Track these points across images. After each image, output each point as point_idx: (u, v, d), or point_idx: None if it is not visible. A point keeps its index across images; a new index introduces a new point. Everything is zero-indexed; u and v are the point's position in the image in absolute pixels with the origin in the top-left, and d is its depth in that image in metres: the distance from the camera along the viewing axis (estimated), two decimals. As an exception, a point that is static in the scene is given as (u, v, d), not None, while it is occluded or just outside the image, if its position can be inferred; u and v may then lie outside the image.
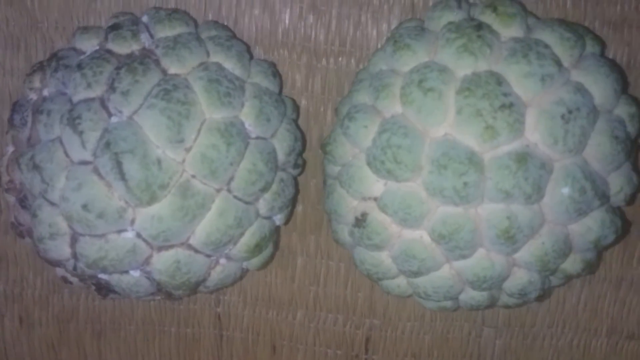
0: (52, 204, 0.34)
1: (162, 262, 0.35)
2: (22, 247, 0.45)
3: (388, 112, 0.33)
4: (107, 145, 0.32)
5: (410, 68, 0.33)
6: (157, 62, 0.34)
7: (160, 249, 0.35)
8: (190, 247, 0.35)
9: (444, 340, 0.46)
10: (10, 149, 0.37)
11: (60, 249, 0.35)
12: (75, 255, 0.35)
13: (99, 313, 0.46)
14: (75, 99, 0.34)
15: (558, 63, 0.32)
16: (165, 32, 0.36)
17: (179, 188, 0.33)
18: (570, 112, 0.31)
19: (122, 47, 0.35)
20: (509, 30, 0.33)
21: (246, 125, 0.35)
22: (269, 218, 0.38)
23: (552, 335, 0.45)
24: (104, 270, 0.35)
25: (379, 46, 0.41)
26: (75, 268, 0.36)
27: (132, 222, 0.34)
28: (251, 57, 0.38)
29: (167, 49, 0.35)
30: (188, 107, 0.33)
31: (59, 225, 0.34)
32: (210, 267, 0.37)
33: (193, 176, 0.34)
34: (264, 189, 0.36)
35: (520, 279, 0.34)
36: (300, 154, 0.39)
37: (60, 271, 0.37)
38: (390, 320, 0.46)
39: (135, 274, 0.36)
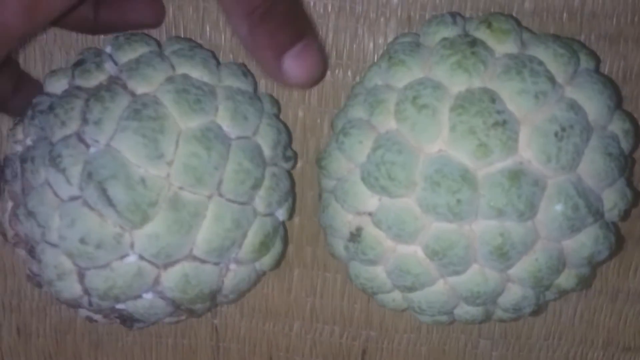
0: (53, 245, 0.34)
1: (170, 279, 0.35)
2: (19, 258, 0.45)
3: (383, 128, 0.34)
4: (90, 175, 0.33)
5: (404, 84, 0.33)
6: (124, 86, 0.35)
7: (166, 266, 0.35)
8: (195, 258, 0.35)
9: (440, 352, 0.46)
10: (10, 204, 0.37)
11: (71, 288, 0.35)
12: (87, 291, 0.35)
13: (96, 324, 0.46)
14: (54, 139, 0.34)
15: (552, 80, 0.32)
16: (127, 56, 0.36)
17: (169, 203, 0.33)
18: (563, 129, 0.31)
19: (89, 81, 0.35)
20: (504, 47, 0.33)
21: (224, 128, 0.35)
22: (270, 215, 0.37)
23: (548, 347, 0.45)
24: (117, 299, 0.35)
25: (376, 59, 0.41)
26: (90, 304, 0.36)
27: (132, 245, 0.34)
28: (218, 62, 0.38)
29: (131, 71, 0.35)
30: (161, 122, 0.33)
31: (64, 264, 0.34)
32: (222, 275, 0.37)
33: (181, 188, 0.34)
34: (255, 186, 0.36)
35: (514, 294, 0.34)
36: (288, 146, 0.39)
37: (82, 312, 0.38)
38: (387, 331, 0.46)
39: (148, 296, 0.36)
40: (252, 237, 0.36)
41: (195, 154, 0.33)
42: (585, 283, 0.35)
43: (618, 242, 0.35)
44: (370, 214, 0.34)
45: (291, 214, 0.41)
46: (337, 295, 0.45)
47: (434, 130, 0.32)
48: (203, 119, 0.34)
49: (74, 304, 0.37)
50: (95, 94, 0.34)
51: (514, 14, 0.40)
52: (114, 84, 0.34)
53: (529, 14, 0.40)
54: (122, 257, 0.34)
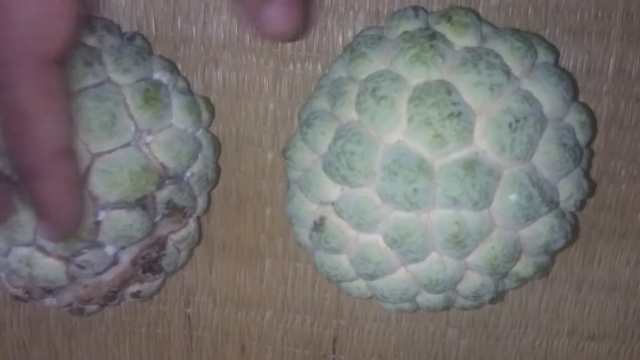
0: None
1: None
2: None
3: (344, 119, 0.34)
4: None
5: (366, 76, 0.34)
6: None
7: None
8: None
9: (409, 340, 0.47)
10: None
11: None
12: None
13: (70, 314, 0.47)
14: None
15: (507, 72, 0.33)
16: None
17: None
18: (517, 120, 0.32)
19: None
20: (463, 40, 0.34)
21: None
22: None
23: (514, 336, 0.46)
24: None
25: (345, 52, 0.42)
26: None
27: None
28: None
29: None
30: None
31: None
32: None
33: None
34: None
35: (473, 281, 0.35)
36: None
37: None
38: (357, 320, 0.47)
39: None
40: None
41: None
42: (543, 271, 0.36)
43: (574, 232, 0.36)
44: (332, 204, 0.35)
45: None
46: (308, 285, 0.46)
47: (392, 121, 0.32)
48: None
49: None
50: None
51: (480, 9, 0.41)
52: None
53: (494, 9, 0.41)
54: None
